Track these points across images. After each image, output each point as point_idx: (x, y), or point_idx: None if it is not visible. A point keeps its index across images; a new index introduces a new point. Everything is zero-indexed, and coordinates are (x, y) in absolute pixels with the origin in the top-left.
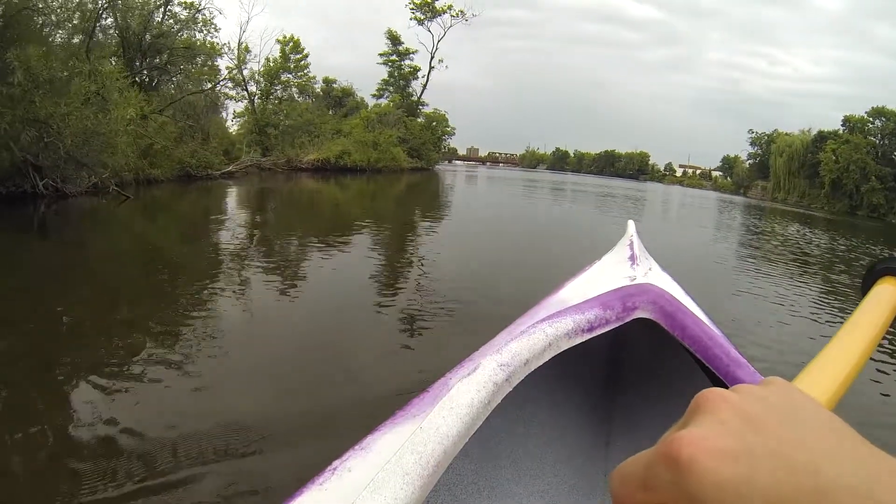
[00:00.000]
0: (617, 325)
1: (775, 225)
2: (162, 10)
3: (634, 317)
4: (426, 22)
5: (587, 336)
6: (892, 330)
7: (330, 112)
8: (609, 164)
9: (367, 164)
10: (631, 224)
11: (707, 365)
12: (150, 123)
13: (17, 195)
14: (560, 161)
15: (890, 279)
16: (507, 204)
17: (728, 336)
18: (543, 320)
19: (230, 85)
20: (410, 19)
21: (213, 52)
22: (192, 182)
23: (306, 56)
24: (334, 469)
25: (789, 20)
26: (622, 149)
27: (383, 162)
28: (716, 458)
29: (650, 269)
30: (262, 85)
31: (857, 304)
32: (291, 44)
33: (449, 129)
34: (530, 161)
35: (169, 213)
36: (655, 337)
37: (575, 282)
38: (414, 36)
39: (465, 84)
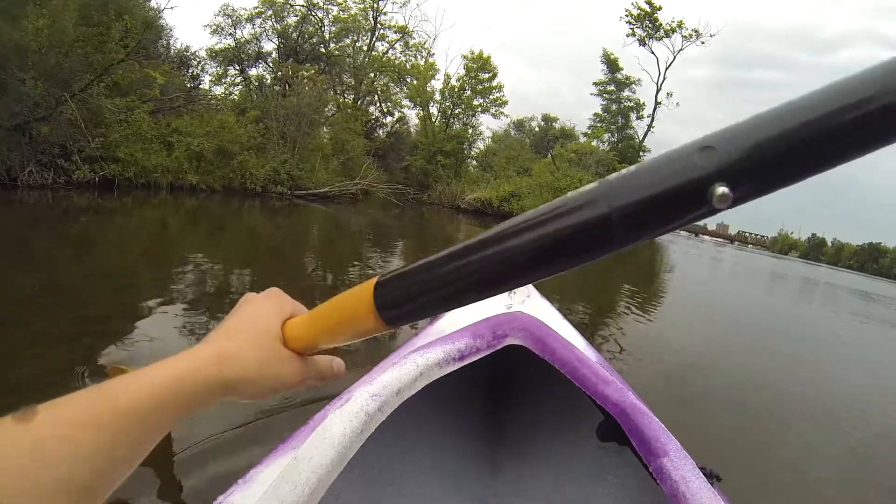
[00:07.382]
0: (488, 352)
1: None
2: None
3: (506, 344)
4: (649, 41)
5: (458, 365)
6: None
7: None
8: (872, 260)
9: None
10: None
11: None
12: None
13: None
14: (815, 250)
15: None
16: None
17: (607, 358)
18: (414, 351)
19: (410, 104)
20: (627, 35)
21: (422, 74)
22: (249, 198)
23: (495, 76)
24: (219, 503)
25: None
26: (891, 242)
27: None
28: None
29: (528, 295)
30: (443, 105)
31: None
32: (481, 61)
33: None
34: (781, 246)
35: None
36: (537, 363)
37: (453, 312)
38: (634, 59)
39: None
